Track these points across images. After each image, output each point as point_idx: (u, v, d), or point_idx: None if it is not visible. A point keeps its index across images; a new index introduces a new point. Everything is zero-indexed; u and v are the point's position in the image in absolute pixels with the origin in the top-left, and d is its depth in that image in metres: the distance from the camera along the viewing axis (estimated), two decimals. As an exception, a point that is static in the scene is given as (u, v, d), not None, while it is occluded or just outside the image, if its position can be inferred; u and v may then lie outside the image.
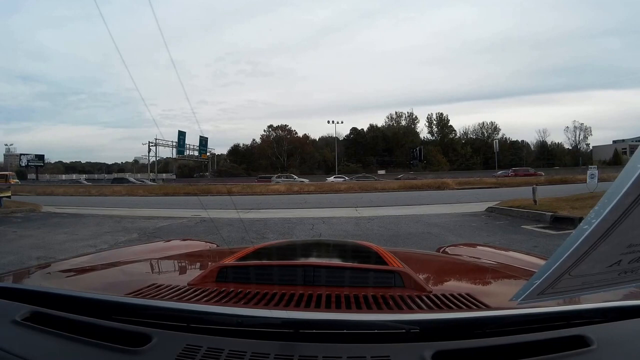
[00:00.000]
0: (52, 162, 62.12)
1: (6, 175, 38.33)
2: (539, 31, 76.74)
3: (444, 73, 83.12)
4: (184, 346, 0.51)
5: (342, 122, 54.54)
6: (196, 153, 43.84)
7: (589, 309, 0.60)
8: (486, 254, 1.38)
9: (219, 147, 76.98)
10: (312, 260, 1.04)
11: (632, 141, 53.21)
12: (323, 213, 8.81)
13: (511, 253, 1.37)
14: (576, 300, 0.61)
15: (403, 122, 59.22)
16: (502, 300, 0.67)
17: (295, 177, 34.92)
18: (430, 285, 0.75)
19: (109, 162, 71.12)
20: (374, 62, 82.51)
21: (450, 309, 0.62)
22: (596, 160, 46.70)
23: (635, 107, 63.57)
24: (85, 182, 38.04)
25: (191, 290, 0.71)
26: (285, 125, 57.92)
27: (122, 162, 71.52)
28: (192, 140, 43.23)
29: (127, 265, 1.06)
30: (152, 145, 39.18)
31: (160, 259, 1.16)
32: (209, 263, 1.14)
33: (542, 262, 0.98)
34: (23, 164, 44.99)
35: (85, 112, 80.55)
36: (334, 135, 50.64)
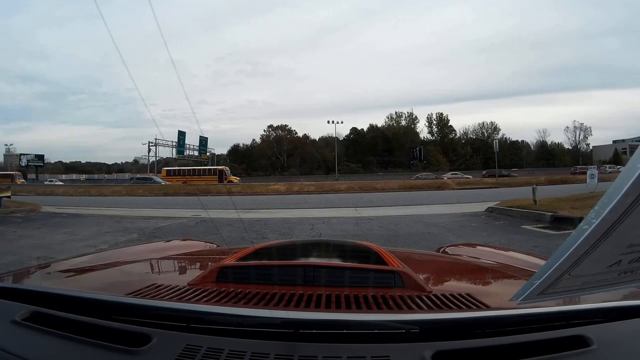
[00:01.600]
0: (52, 162, 62.15)
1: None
2: (539, 31, 76.91)
3: (444, 73, 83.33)
4: (184, 346, 0.51)
5: (342, 122, 54.45)
6: (196, 153, 43.75)
7: (589, 309, 0.60)
8: (486, 254, 1.38)
9: (219, 147, 77.43)
10: (312, 260, 1.03)
11: (632, 141, 53.30)
12: (323, 213, 8.80)
13: (511, 253, 1.37)
14: (576, 300, 0.61)
15: (403, 122, 59.41)
16: (502, 300, 0.67)
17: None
18: (430, 285, 0.75)
19: (109, 162, 71.22)
20: (374, 62, 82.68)
21: (450, 309, 0.62)
22: (596, 160, 46.71)
23: (635, 107, 63.84)
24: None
25: (191, 290, 0.71)
26: (285, 125, 58.18)
27: (122, 162, 71.50)
28: (192, 140, 43.20)
29: (127, 265, 1.06)
30: (152, 145, 39.02)
31: (160, 259, 1.16)
32: (209, 263, 1.14)
33: (542, 262, 0.98)
34: (23, 164, 44.78)
35: (85, 112, 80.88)
36: (334, 135, 50.58)
